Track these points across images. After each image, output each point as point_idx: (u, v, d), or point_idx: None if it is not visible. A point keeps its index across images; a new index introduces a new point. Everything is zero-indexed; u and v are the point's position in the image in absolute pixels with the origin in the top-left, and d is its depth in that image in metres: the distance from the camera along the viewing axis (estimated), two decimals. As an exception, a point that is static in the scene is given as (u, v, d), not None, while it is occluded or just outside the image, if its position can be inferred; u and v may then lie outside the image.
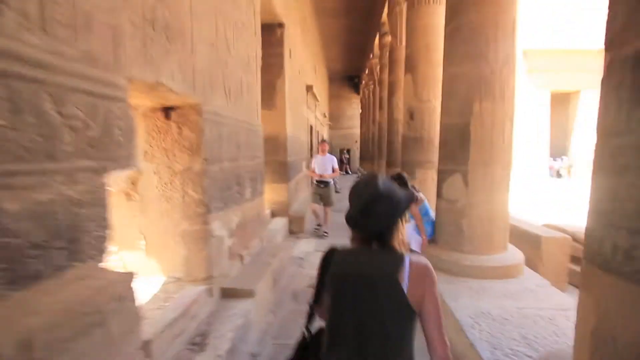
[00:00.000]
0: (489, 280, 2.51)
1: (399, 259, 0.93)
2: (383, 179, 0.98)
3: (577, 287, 3.63)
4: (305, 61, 7.19)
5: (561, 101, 23.08)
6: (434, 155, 4.39)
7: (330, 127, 18.14)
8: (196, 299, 1.97)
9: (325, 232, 4.94)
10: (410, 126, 4.56)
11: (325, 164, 4.92)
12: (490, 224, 2.65)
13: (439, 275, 1.22)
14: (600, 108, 1.06)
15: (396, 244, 0.97)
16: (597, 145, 1.06)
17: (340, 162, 18.07)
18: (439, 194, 2.94)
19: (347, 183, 13.16)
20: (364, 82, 13.17)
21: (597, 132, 1.06)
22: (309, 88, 7.13)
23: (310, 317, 1.09)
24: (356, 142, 18.41)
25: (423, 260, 0.95)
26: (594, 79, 20.96)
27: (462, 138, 2.66)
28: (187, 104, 2.03)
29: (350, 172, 17.10)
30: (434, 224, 3.13)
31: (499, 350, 1.76)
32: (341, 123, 18.88)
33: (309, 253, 4.20)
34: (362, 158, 14.71)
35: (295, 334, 2.31)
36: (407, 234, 3.34)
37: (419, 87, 4.45)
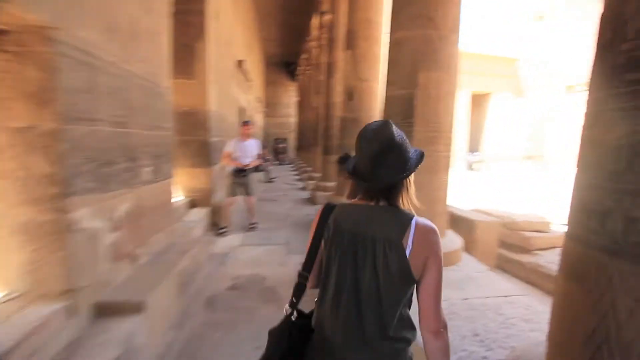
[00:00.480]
0: (432, 269, 2.29)
1: (406, 220, 0.84)
2: (396, 126, 0.86)
3: (505, 270, 3.80)
4: (236, 32, 6.41)
5: (477, 102, 25.69)
6: (373, 139, 4.15)
7: (266, 115, 17.33)
8: (45, 323, 1.32)
9: (254, 223, 4.38)
10: (348, 107, 4.25)
11: (247, 150, 4.12)
12: (431, 208, 2.43)
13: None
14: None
15: (404, 202, 0.87)
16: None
17: (275, 151, 17.43)
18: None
19: (281, 172, 12.75)
20: (301, 67, 12.70)
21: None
22: (240, 63, 6.38)
23: (299, 290, 0.94)
24: (293, 131, 17.93)
25: (430, 223, 0.84)
26: (503, 83, 23.38)
27: (405, 112, 2.38)
28: (27, 25, 1.32)
29: (286, 163, 16.59)
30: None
31: (453, 354, 1.49)
32: (277, 111, 18.17)
33: (234, 248, 3.63)
34: (299, 147, 14.35)
35: (208, 353, 1.78)
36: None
37: (359, 65, 4.15)
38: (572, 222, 1.06)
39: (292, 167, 14.87)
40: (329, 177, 5.60)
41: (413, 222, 0.82)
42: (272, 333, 0.94)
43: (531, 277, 3.19)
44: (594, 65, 1.03)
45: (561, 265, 1.09)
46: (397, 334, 0.85)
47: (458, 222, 3.56)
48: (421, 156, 0.88)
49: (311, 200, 6.47)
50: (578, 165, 1.07)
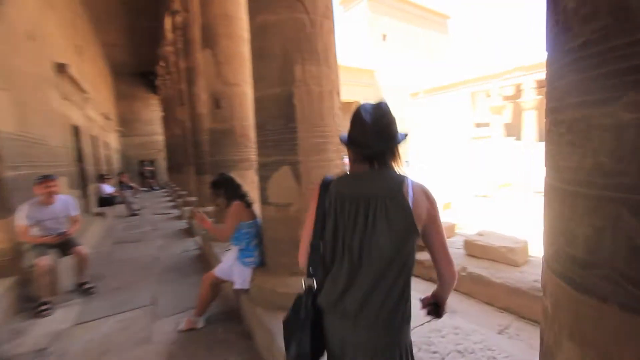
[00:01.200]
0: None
1: (402, 177, 0.94)
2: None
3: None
4: (49, 25, 4.78)
5: (348, 110, 28.10)
6: (252, 152, 3.52)
7: (122, 135, 14.52)
8: None
9: (85, 284, 3.09)
10: (217, 116, 3.52)
11: (54, 216, 2.92)
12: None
13: (271, 313, 1.30)
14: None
15: (396, 167, 0.98)
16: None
17: (142, 175, 14.81)
18: (263, 198, 2.05)
19: (151, 200, 10.62)
20: (160, 77, 11.00)
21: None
22: (60, 68, 4.77)
23: (315, 261, 1.01)
24: (161, 150, 15.52)
25: (421, 183, 0.95)
26: (366, 92, 26.13)
27: (285, 115, 1.87)
28: None
29: (156, 188, 14.19)
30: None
31: None
32: (137, 129, 15.42)
33: (63, 332, 2.41)
34: (171, 169, 12.39)
35: None
36: (227, 264, 2.29)
37: (223, 67, 3.47)
38: (548, 248, 0.70)
39: (164, 192, 12.80)
40: (205, 201, 4.69)
41: (408, 179, 0.94)
42: (296, 309, 1.01)
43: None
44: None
45: (549, 313, 0.71)
46: (405, 296, 0.93)
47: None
48: (405, 135, 0.99)
49: (189, 231, 5.37)
50: (546, 164, 0.72)
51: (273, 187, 1.97)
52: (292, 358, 0.99)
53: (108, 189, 7.79)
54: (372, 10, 26.97)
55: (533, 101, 20.34)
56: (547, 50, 0.68)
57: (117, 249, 4.67)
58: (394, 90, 28.69)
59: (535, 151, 20.43)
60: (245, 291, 2.16)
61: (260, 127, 2.02)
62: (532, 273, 2.50)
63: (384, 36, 28.09)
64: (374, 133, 0.93)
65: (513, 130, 22.89)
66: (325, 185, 1.02)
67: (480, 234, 3.14)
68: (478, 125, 24.52)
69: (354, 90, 25.90)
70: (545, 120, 0.71)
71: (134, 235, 5.60)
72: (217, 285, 2.32)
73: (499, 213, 7.02)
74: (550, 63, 0.68)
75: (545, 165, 0.70)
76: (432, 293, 1.05)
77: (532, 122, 20.77)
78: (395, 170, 0.97)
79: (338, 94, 2.09)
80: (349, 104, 27.68)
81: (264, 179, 2.03)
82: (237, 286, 2.18)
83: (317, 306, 0.99)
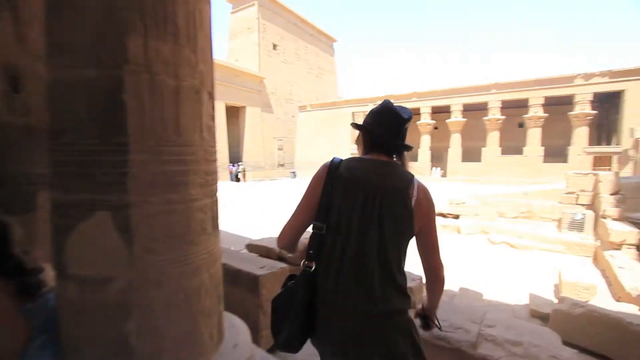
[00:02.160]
0: None
1: (410, 176, 1.03)
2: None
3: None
4: None
5: (235, 114, 26.57)
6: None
7: None
8: None
9: None
10: (15, 104, 2.22)
11: None
12: (192, 307, 1.22)
13: None
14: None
15: (406, 166, 1.07)
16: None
17: None
18: (59, 267, 1.12)
19: None
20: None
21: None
22: None
23: (317, 242, 1.01)
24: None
25: (424, 184, 1.03)
26: (255, 98, 25.45)
27: (105, 119, 1.03)
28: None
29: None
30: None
31: None
32: None
33: None
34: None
35: None
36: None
37: (28, 28, 2.22)
38: None
39: None
40: None
41: (415, 179, 1.03)
42: (293, 288, 1.04)
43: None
44: None
45: None
46: (401, 286, 0.98)
47: (239, 279, 2.54)
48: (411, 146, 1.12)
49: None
50: None
51: (78, 247, 1.08)
52: (282, 343, 1.02)
53: None
54: (263, 17, 26.59)
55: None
56: None
57: None
58: (282, 101, 28.87)
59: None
60: None
61: (54, 135, 1.10)
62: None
63: (275, 45, 28.09)
64: (401, 129, 1.04)
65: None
66: (337, 164, 1.05)
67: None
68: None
69: (241, 95, 24.80)
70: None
71: None
72: None
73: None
74: None
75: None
76: (422, 305, 1.16)
77: (399, 143, 24.07)
78: (404, 168, 1.06)
79: (211, 96, 1.37)
80: (235, 109, 26.27)
81: (60, 232, 1.11)
82: None
83: (314, 290, 0.99)
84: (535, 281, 4.75)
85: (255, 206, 11.94)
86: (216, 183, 1.49)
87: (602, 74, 17.29)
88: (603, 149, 17.81)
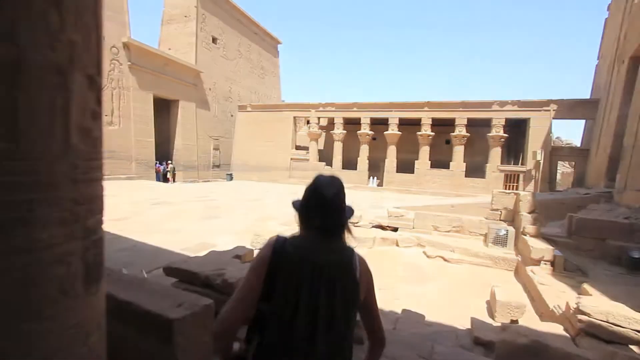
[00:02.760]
0: None
1: (352, 250, 1.07)
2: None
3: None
4: None
5: (166, 107, 24.20)
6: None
7: None
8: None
9: None
10: None
11: None
12: None
13: None
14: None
15: (345, 238, 1.09)
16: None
17: None
18: None
19: None
20: None
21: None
22: None
23: (260, 324, 1.01)
24: None
25: (361, 255, 1.10)
26: (190, 92, 23.41)
27: None
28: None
29: None
30: None
31: None
32: None
33: None
34: None
35: None
36: None
37: None
38: None
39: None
40: None
41: (355, 253, 1.08)
42: None
43: None
44: None
45: None
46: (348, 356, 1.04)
47: (143, 325, 1.89)
48: (352, 209, 1.11)
49: None
50: None
51: None
52: None
53: None
54: (202, 6, 24.83)
55: (340, 134, 24.08)
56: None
57: None
58: (220, 98, 27.25)
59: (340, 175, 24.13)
60: None
61: None
62: None
63: (214, 39, 26.45)
64: (333, 208, 1.04)
65: (326, 156, 26.32)
66: (281, 243, 1.05)
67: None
68: (298, 147, 26.71)
69: (173, 88, 22.71)
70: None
71: None
72: None
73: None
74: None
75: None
76: None
77: (340, 151, 24.45)
78: (345, 242, 1.08)
79: (94, 82, 0.81)
80: (166, 102, 23.90)
81: None
82: None
83: None
84: (471, 296, 4.88)
85: (187, 209, 10.74)
86: (100, 214, 0.91)
87: (513, 103, 19.85)
88: (512, 167, 20.39)
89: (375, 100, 22.71)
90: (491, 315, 4.25)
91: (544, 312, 4.09)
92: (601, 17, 19.41)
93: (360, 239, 7.41)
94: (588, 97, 20.20)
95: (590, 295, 4.08)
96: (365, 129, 22.85)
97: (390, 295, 4.74)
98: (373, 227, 8.28)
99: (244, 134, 26.69)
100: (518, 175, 19.78)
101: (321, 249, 1.01)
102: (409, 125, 22.62)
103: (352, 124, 23.87)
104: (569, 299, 4.14)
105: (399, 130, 22.16)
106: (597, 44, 20.50)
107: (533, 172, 19.13)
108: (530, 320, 4.10)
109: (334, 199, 1.02)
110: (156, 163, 22.11)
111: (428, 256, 6.63)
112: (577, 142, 28.17)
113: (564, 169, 28.40)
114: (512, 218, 7.12)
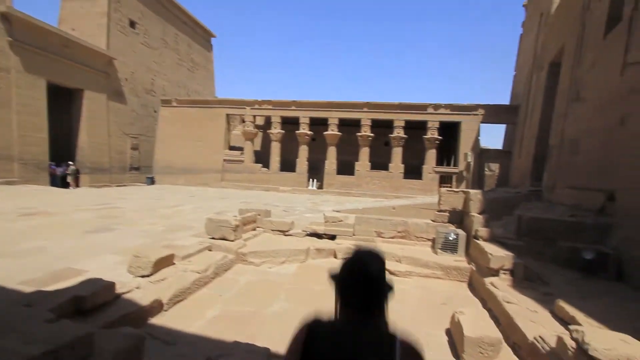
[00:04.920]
0: None
1: (390, 340, 0.94)
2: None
3: None
4: None
5: (67, 98, 20.05)
6: None
7: None
8: None
9: None
10: None
11: None
12: None
13: None
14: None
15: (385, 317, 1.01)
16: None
17: None
18: None
19: None
20: None
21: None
22: None
23: None
24: None
25: (413, 340, 0.96)
26: (99, 82, 19.51)
27: None
28: None
29: None
30: None
31: None
32: None
33: None
34: None
35: None
36: None
37: None
38: None
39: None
40: None
41: (397, 340, 0.94)
42: None
43: None
44: None
45: None
46: None
47: None
48: (392, 286, 1.04)
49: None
50: None
51: None
52: None
53: None
54: (113, -22, 21.29)
55: (278, 134, 22.51)
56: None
57: None
58: (140, 91, 23.66)
59: (277, 178, 22.56)
60: None
61: None
62: None
63: (133, 23, 22.89)
64: (377, 286, 0.98)
65: (262, 158, 24.46)
66: (314, 328, 0.98)
67: None
68: (232, 148, 24.43)
69: (77, 75, 18.89)
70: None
71: None
72: None
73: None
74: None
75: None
76: None
77: (277, 152, 22.84)
78: (387, 322, 1.00)
79: None
80: (67, 91, 19.72)
81: None
82: None
83: None
84: (426, 324, 3.75)
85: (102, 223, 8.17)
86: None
87: (446, 106, 20.45)
88: (446, 169, 20.95)
89: (314, 99, 21.70)
90: (456, 355, 3.12)
91: (522, 345, 3.09)
92: (515, 34, 21.00)
93: (291, 251, 5.97)
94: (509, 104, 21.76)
95: (572, 316, 3.20)
96: (304, 129, 21.65)
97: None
98: (307, 235, 6.91)
99: (169, 132, 23.54)
100: (451, 177, 20.35)
101: (353, 342, 0.92)
102: (349, 126, 22.03)
103: (290, 124, 22.50)
104: (552, 327, 3.21)
105: (339, 131, 21.41)
106: (513, 58, 22.26)
107: (464, 173, 19.81)
108: (507, 361, 3.05)
109: (380, 275, 0.99)
110: (51, 164, 18.05)
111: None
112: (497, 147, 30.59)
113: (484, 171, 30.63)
114: (460, 220, 6.34)
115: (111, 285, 3.28)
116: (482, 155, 20.17)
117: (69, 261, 5.31)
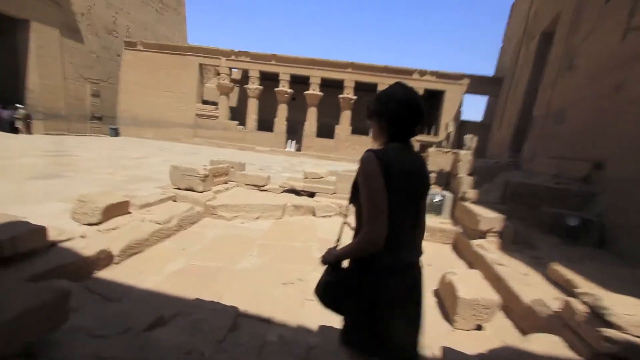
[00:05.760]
0: None
1: (422, 157, 1.29)
2: None
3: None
4: None
5: (10, 29, 17.41)
6: None
7: None
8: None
9: None
10: None
11: None
12: None
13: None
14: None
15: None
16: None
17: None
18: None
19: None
20: None
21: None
22: None
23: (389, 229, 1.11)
24: None
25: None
26: (49, 12, 16.84)
27: None
28: None
29: None
30: None
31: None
32: None
33: None
34: None
35: None
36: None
37: None
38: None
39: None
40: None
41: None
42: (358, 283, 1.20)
43: None
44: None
45: None
46: None
47: None
48: None
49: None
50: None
51: None
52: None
53: None
54: None
55: (256, 89, 21.12)
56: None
57: None
58: (100, 30, 20.88)
59: (254, 137, 21.51)
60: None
61: None
62: None
63: (90, -55, 19.71)
64: (422, 111, 1.19)
65: (238, 115, 23.09)
66: (384, 155, 1.13)
67: None
68: (205, 102, 22.79)
69: (24, 2, 16.20)
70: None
71: None
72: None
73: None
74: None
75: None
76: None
77: (255, 109, 21.58)
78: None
79: None
80: (9, 20, 16.98)
81: None
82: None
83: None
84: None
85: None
86: None
87: (432, 73, 19.86)
88: (426, 138, 20.82)
89: (296, 55, 20.28)
90: (447, 317, 2.86)
91: (517, 310, 2.86)
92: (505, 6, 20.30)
93: (267, 207, 5.47)
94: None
95: (568, 279, 3.00)
96: (284, 86, 20.40)
97: (299, 294, 2.98)
98: (285, 191, 6.42)
99: (134, 79, 21.40)
100: (431, 146, 20.31)
101: (412, 157, 1.19)
102: (332, 88, 21.04)
103: (269, 80, 21.11)
104: (547, 290, 3.00)
105: (320, 92, 20.40)
106: (501, 29, 21.68)
107: (444, 143, 19.80)
108: (502, 326, 2.82)
109: (421, 104, 1.17)
110: (-6, 105, 15.94)
111: (352, 228, 5.03)
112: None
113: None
114: (446, 182, 6.06)
115: (41, 229, 2.64)
116: (462, 126, 20.13)
117: (3, 207, 4.52)
